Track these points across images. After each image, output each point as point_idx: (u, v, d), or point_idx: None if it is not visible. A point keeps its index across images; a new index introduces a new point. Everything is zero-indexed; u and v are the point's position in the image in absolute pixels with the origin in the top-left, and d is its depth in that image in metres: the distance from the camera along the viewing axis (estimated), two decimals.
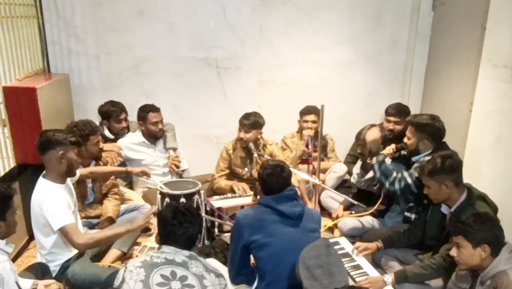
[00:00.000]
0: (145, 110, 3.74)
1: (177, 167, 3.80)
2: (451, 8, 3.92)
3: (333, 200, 3.76)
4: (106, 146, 3.54)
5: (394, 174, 2.99)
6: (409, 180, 2.93)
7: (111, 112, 3.75)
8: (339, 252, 2.60)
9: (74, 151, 2.56)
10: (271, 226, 2.29)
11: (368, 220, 3.33)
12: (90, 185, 3.24)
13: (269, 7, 4.05)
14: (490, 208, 2.51)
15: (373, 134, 3.11)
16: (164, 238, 2.00)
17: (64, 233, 2.45)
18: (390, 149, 3.16)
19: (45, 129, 2.56)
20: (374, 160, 3.04)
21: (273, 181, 2.36)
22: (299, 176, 3.57)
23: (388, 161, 3.18)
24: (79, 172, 2.93)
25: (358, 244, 2.87)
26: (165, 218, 1.99)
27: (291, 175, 2.45)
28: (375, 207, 3.28)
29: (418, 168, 2.89)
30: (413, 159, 3.05)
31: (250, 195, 3.36)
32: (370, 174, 3.35)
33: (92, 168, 3.15)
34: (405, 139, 3.10)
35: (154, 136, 3.80)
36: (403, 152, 3.15)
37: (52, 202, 2.45)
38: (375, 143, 3.09)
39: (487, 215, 2.17)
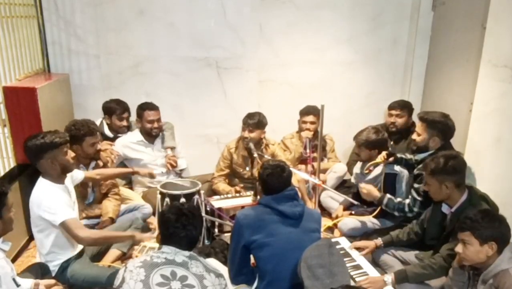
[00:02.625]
0: (143, 108, 3.76)
1: (173, 166, 3.80)
2: (451, 8, 3.92)
3: (333, 200, 3.76)
4: (101, 145, 3.53)
5: (398, 200, 3.06)
6: (406, 204, 3.00)
7: (114, 109, 3.76)
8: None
9: (63, 150, 2.53)
10: (271, 226, 2.29)
11: (368, 220, 3.33)
12: (90, 184, 3.24)
13: (269, 6, 4.04)
14: (491, 208, 2.51)
15: (367, 189, 3.20)
16: (166, 239, 1.99)
17: (66, 228, 2.44)
18: (382, 157, 3.23)
19: (27, 139, 2.51)
20: (383, 206, 3.10)
21: (273, 181, 2.35)
22: (299, 176, 3.57)
23: (380, 168, 3.27)
24: (85, 174, 2.94)
25: (356, 243, 2.88)
26: (168, 219, 1.98)
27: (291, 175, 2.44)
28: (376, 211, 3.28)
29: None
30: (419, 156, 3.06)
31: (250, 195, 3.35)
32: (371, 176, 3.36)
33: (99, 170, 3.16)
34: (414, 135, 3.13)
35: (149, 134, 3.80)
36: (400, 155, 3.22)
37: (49, 200, 2.45)
38: (370, 196, 3.18)
39: (495, 212, 2.16)
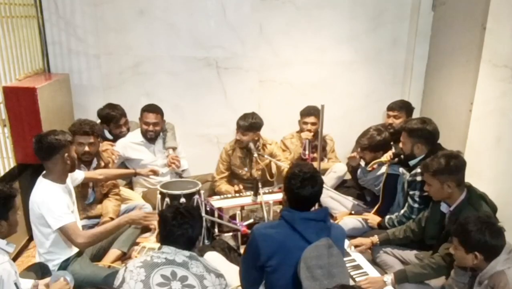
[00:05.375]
0: (144, 109, 3.76)
1: (177, 166, 3.80)
2: (451, 7, 3.92)
3: (333, 200, 3.76)
4: (102, 145, 3.53)
5: (395, 214, 3.09)
6: (402, 215, 3.02)
7: (111, 117, 3.74)
8: None
9: (72, 148, 2.59)
10: (290, 251, 2.05)
11: None
12: (91, 184, 3.24)
13: (269, 6, 4.04)
14: (490, 208, 2.51)
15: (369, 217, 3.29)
16: (164, 238, 2.01)
17: (64, 232, 2.45)
18: (388, 156, 3.24)
19: (40, 135, 2.52)
20: (389, 226, 3.10)
21: (304, 194, 2.05)
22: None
23: (384, 168, 3.28)
24: (86, 174, 2.94)
25: (353, 241, 2.89)
26: (166, 218, 2.00)
27: (323, 185, 2.21)
28: (374, 209, 3.28)
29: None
30: (410, 163, 3.06)
31: (250, 195, 3.34)
32: (373, 174, 3.36)
33: (102, 170, 3.17)
34: (400, 145, 3.14)
35: (145, 136, 3.78)
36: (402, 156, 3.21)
37: (51, 202, 2.45)
38: (373, 220, 3.24)
39: (487, 221, 2.11)
